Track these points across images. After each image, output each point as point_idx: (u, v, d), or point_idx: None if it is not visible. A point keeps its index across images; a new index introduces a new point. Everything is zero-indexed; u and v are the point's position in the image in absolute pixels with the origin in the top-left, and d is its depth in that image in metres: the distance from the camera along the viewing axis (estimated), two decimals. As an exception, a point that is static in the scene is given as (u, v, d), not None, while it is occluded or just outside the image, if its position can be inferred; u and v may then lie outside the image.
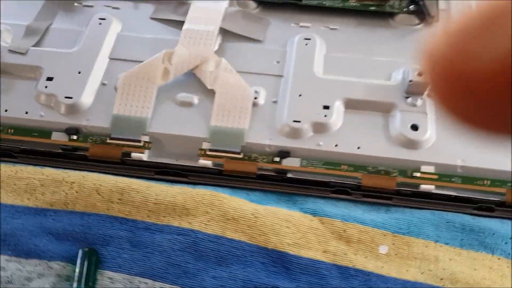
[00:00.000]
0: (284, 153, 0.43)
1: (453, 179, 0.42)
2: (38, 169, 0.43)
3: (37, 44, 0.50)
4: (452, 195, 0.42)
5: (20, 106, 0.46)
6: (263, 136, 0.44)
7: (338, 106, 0.45)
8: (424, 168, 0.42)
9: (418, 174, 0.42)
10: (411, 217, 0.41)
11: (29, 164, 0.44)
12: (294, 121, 0.44)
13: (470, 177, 0.42)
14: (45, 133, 0.45)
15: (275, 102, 0.46)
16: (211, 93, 0.46)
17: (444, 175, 0.42)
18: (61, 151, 0.45)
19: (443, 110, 0.13)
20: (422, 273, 0.39)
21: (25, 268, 0.39)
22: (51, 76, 0.47)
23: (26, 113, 0.46)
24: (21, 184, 0.43)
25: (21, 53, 0.48)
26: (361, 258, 0.40)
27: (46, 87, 0.46)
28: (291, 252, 0.40)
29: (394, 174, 0.43)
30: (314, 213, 0.42)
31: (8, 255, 0.40)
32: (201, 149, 0.44)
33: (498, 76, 0.12)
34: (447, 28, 0.13)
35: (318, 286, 0.39)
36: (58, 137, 0.45)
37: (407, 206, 0.42)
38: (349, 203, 0.43)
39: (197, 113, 0.46)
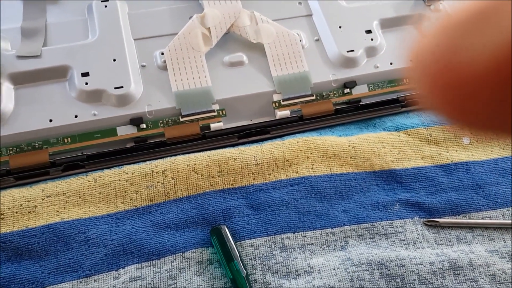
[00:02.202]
0: (351, 83, 0.45)
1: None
2: (117, 169, 0.40)
3: (45, 43, 0.44)
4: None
5: (64, 111, 0.41)
6: (324, 73, 0.45)
7: (377, 28, 0.47)
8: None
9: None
10: (474, 107, 0.46)
11: (102, 168, 0.40)
12: (348, 51, 0.46)
13: None
14: (109, 131, 0.41)
15: (317, 40, 0.47)
16: (256, 47, 0.46)
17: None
18: (134, 144, 0.41)
19: (428, 106, 0.13)
20: (503, 149, 0.45)
21: (163, 268, 0.36)
22: (86, 71, 0.42)
23: (76, 116, 0.41)
24: (108, 191, 0.39)
25: (35, 57, 0.43)
26: (453, 153, 0.44)
27: (86, 83, 0.42)
28: (397, 168, 0.42)
29: (448, 75, 0.47)
30: (397, 129, 0.44)
31: (137, 263, 0.36)
32: (274, 102, 0.44)
33: (492, 69, 0.11)
34: (436, 24, 0.13)
35: (433, 188, 0.42)
36: (125, 131, 0.41)
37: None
38: (418, 111, 0.46)
39: (252, 69, 0.45)
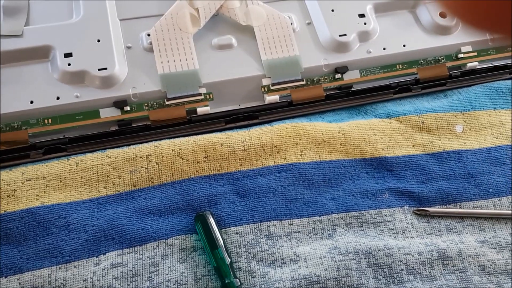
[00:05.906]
0: (343, 68, 0.44)
1: (489, 52, 0.46)
2: (100, 153, 0.39)
3: (27, 23, 0.43)
4: (491, 66, 0.47)
5: (46, 93, 0.40)
6: (315, 57, 0.44)
7: (370, 12, 0.46)
8: (464, 49, 0.46)
9: (461, 55, 0.46)
10: (468, 94, 0.45)
11: (84, 152, 0.39)
12: (340, 35, 0.44)
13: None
14: (91, 113, 0.40)
15: (309, 23, 0.46)
16: (245, 29, 0.44)
17: (481, 50, 0.46)
18: (117, 127, 0.40)
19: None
20: (497, 138, 0.44)
21: (145, 255, 0.35)
22: (69, 52, 0.41)
23: (58, 98, 0.40)
24: (89, 175, 0.38)
25: (16, 36, 0.41)
26: (445, 141, 0.43)
27: (69, 64, 0.40)
28: (387, 155, 0.41)
29: (442, 61, 0.46)
30: (389, 116, 0.43)
31: (118, 249, 0.36)
32: (263, 86, 0.43)
33: None
34: None
35: (424, 177, 0.41)
36: (108, 114, 0.40)
37: (459, 87, 0.46)
38: (411, 98, 0.45)
39: (242, 53, 0.44)
